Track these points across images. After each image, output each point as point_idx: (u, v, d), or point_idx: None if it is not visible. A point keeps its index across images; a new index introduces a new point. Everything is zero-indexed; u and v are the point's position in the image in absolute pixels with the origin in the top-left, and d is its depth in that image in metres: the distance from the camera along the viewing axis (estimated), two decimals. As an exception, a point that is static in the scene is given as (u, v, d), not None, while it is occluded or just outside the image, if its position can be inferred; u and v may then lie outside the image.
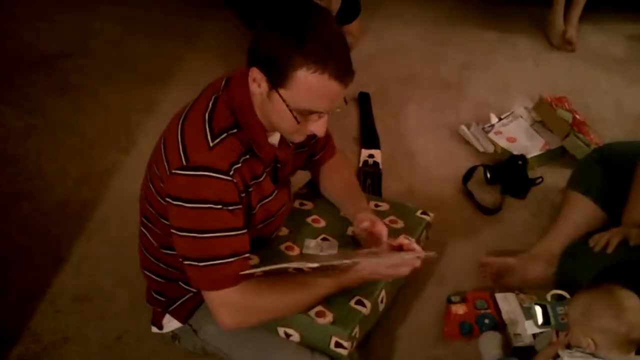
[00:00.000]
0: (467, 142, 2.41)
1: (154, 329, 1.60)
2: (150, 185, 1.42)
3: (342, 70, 1.26)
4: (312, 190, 1.79)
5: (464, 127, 2.43)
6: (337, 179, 1.74)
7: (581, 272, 1.66)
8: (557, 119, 2.32)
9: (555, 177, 2.23)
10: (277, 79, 1.26)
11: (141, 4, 3.24)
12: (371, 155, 2.30)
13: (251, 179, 1.39)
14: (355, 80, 2.60)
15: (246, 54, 1.30)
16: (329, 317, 1.41)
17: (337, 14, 2.76)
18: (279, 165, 1.49)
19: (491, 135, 2.36)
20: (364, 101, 2.59)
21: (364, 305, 1.46)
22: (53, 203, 2.11)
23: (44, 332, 1.69)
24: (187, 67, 2.80)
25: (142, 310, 1.67)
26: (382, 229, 1.54)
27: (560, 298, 1.67)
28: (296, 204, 1.73)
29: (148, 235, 1.53)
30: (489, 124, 2.40)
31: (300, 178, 1.79)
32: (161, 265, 1.53)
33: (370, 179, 2.19)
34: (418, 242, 1.62)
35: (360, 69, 2.75)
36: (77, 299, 1.79)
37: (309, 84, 1.24)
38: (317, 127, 1.35)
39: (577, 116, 2.36)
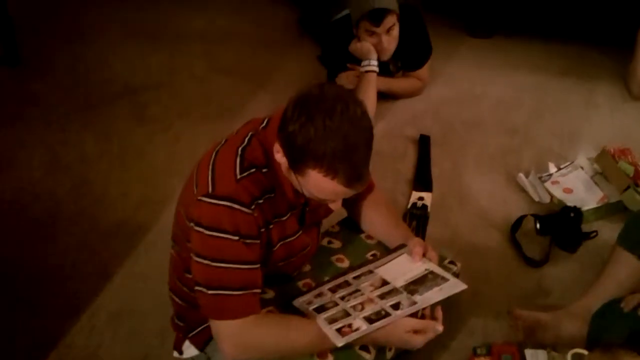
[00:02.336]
0: (524, 191, 2.35)
1: (175, 354, 1.67)
2: (181, 208, 1.50)
3: (353, 178, 1.29)
4: (344, 228, 1.81)
5: (521, 175, 2.37)
6: (379, 213, 1.74)
7: (609, 333, 1.57)
8: (618, 171, 2.22)
9: (613, 233, 2.08)
10: (293, 166, 1.32)
11: (225, 42, 3.43)
12: (421, 198, 2.29)
13: (273, 217, 1.44)
14: (419, 123, 2.70)
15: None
16: (329, 359, 1.41)
17: (403, 56, 2.80)
18: (307, 208, 1.53)
19: (548, 184, 2.29)
20: (423, 143, 2.59)
21: (368, 351, 1.45)
22: (111, 224, 2.26)
23: (76, 346, 1.81)
24: (259, 104, 2.91)
25: (170, 333, 1.74)
26: (433, 255, 1.56)
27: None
28: (324, 241, 1.76)
29: (176, 258, 1.61)
30: (546, 173, 2.34)
31: (334, 215, 1.82)
32: (184, 289, 1.60)
33: (416, 222, 2.19)
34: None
35: (426, 112, 2.84)
36: (113, 316, 1.90)
37: (319, 182, 1.30)
38: (331, 204, 1.43)
39: (642, 169, 2.24)
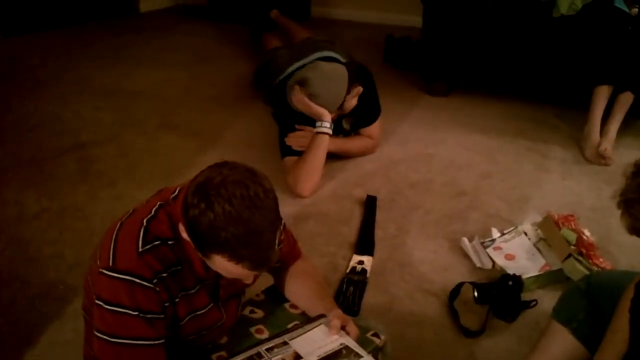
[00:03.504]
0: (467, 256, 2.30)
1: None
2: (89, 277, 1.44)
3: (259, 262, 1.27)
4: (269, 297, 1.75)
5: (465, 240, 2.33)
6: (304, 283, 1.70)
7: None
8: (560, 239, 2.18)
9: (553, 303, 2.06)
10: (199, 249, 1.29)
11: (180, 99, 3.43)
12: (361, 262, 2.24)
13: (179, 291, 1.38)
14: (368, 183, 2.67)
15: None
16: None
17: (355, 114, 2.79)
18: (221, 281, 1.47)
19: (490, 250, 2.25)
20: (369, 205, 2.55)
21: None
22: (42, 286, 2.18)
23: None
24: (207, 162, 2.84)
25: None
26: (353, 329, 1.51)
27: None
28: (246, 310, 1.70)
29: (87, 328, 1.54)
30: (489, 239, 2.30)
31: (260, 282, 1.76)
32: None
33: (353, 287, 2.13)
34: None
35: (376, 172, 2.82)
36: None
37: (224, 266, 1.27)
38: (245, 280, 1.39)
39: (585, 237, 2.21)
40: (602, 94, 2.95)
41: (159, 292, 1.31)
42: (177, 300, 1.38)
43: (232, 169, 1.28)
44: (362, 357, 1.43)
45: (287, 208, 2.53)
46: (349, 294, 2.10)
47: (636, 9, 3.01)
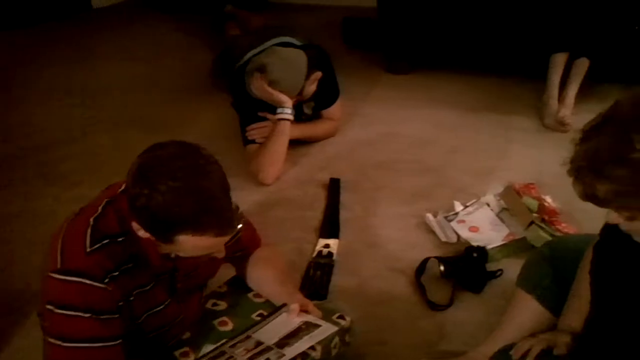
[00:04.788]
0: (433, 232, 2.31)
1: None
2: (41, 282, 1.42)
3: (223, 225, 1.26)
4: (232, 288, 1.74)
5: (429, 215, 2.34)
6: (265, 270, 1.70)
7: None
8: (522, 207, 2.20)
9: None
10: (160, 238, 1.27)
11: (141, 92, 3.39)
12: (327, 246, 2.24)
13: (134, 288, 1.36)
14: (332, 166, 2.66)
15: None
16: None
17: (315, 98, 2.78)
18: (178, 274, 1.46)
19: (454, 224, 2.26)
20: (333, 188, 2.55)
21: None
22: (6, 292, 2.14)
23: None
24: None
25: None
26: (315, 312, 1.52)
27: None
28: (209, 304, 1.69)
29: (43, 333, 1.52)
30: (452, 212, 2.31)
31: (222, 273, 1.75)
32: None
33: (320, 271, 2.13)
34: (328, 348, 1.53)
35: (340, 155, 2.81)
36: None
37: (191, 243, 1.26)
38: (216, 255, 1.38)
39: (547, 204, 2.23)
40: (558, 62, 2.97)
41: (111, 291, 1.29)
42: (131, 298, 1.36)
43: (163, 147, 1.26)
44: (319, 325, 1.44)
45: (251, 196, 2.53)
46: (316, 278, 2.10)
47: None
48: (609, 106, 1.21)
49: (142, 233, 1.28)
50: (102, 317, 1.29)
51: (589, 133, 1.21)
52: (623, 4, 2.96)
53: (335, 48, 3.51)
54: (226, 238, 1.31)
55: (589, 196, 1.22)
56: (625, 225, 1.28)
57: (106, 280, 1.28)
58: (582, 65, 2.98)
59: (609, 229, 1.45)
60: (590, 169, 1.18)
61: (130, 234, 1.32)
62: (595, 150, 1.17)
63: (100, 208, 1.34)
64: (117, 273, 1.31)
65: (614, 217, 1.25)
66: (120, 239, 1.32)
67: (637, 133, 1.12)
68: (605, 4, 2.96)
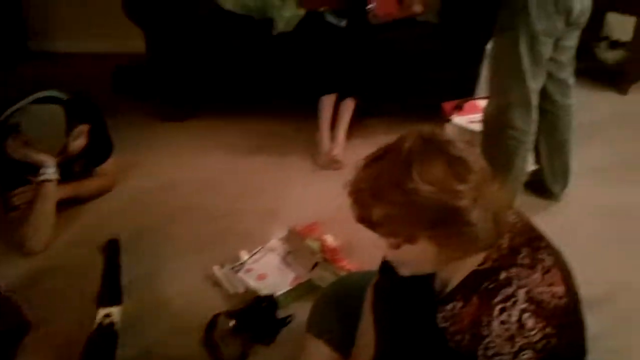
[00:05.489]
0: (220, 285, 2.25)
1: None
2: None
3: None
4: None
5: (216, 268, 2.28)
6: None
7: None
8: (305, 249, 2.23)
9: (309, 314, 2.11)
10: None
11: None
12: (108, 315, 2.06)
13: None
14: (109, 226, 2.49)
15: None
16: None
17: (86, 154, 2.60)
18: None
19: (242, 274, 2.23)
20: (111, 249, 2.36)
21: None
22: None
23: None
24: None
25: None
26: None
27: None
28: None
29: None
30: (239, 262, 2.27)
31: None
32: None
33: (101, 345, 1.95)
34: None
35: (118, 211, 2.65)
36: None
37: None
38: None
39: (328, 243, 2.29)
40: (327, 103, 3.11)
41: None
42: None
43: None
44: None
45: (17, 269, 2.29)
46: (98, 354, 1.92)
47: (345, 21, 3.21)
48: (395, 139, 1.25)
49: None
50: None
51: (373, 160, 1.26)
52: (381, 50, 3.19)
53: (107, 99, 3.36)
54: None
55: (364, 219, 1.26)
56: (391, 254, 1.32)
57: None
58: (350, 105, 3.15)
59: (385, 265, 1.50)
60: (370, 191, 1.22)
61: None
62: (377, 174, 1.22)
63: None
64: None
65: (383, 245, 1.29)
66: None
67: (416, 165, 1.17)
68: (365, 49, 3.17)
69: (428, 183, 1.16)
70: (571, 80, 2.52)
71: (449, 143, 1.22)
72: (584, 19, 2.32)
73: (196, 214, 2.67)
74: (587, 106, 3.33)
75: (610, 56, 3.90)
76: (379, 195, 1.21)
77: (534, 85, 2.31)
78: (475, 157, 1.23)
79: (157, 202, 2.75)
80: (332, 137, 3.08)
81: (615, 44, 3.95)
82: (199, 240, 2.51)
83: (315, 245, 2.25)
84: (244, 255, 2.30)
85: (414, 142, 1.22)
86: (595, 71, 3.81)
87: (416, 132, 1.25)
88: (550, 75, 2.41)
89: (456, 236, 1.21)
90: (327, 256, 2.23)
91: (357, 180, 1.26)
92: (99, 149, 2.69)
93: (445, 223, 1.19)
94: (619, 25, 4.01)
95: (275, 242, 2.36)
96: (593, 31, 2.53)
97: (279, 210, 2.70)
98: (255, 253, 2.31)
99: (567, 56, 2.44)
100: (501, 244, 1.27)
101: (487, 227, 1.21)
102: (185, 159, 3.10)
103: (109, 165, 2.74)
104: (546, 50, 2.27)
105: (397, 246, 1.27)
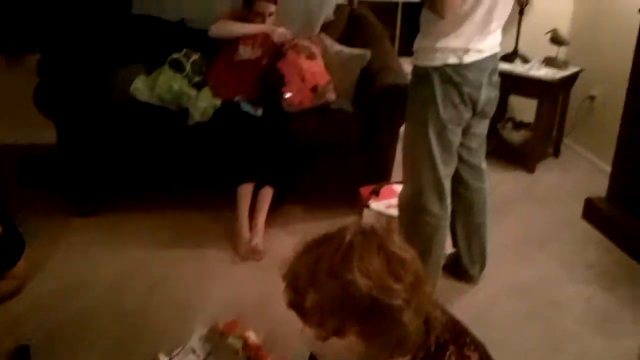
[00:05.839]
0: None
1: None
2: None
3: None
4: None
5: (133, 374, 2.17)
6: None
7: None
8: (226, 349, 2.17)
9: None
10: None
11: None
12: None
13: None
14: (18, 331, 2.34)
15: None
16: None
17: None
18: None
19: (161, 379, 2.13)
20: (20, 357, 2.23)
21: None
22: None
23: None
24: None
25: None
26: None
27: None
28: None
29: None
30: (158, 366, 2.18)
31: None
32: None
33: None
34: None
35: (28, 315, 2.50)
36: None
37: None
38: None
39: (250, 340, 2.23)
40: (245, 192, 3.09)
41: None
42: None
43: None
44: None
45: None
46: None
47: (260, 110, 3.25)
48: (335, 228, 1.24)
49: None
50: None
51: (312, 246, 1.23)
52: (296, 137, 3.23)
53: (13, 193, 3.23)
54: None
55: (296, 305, 1.22)
56: (317, 347, 1.27)
57: None
58: (267, 193, 3.14)
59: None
60: (306, 276, 1.19)
61: None
62: (315, 260, 1.19)
63: None
64: None
65: (309, 336, 1.25)
66: None
67: (356, 259, 1.16)
68: (281, 137, 3.21)
69: (366, 277, 1.15)
70: (483, 164, 2.62)
71: (388, 239, 1.22)
72: (489, 108, 2.43)
73: (109, 314, 2.56)
74: (499, 185, 3.49)
75: (516, 137, 4.11)
76: (315, 281, 1.18)
77: (446, 171, 2.39)
78: (411, 257, 1.23)
79: (68, 304, 2.61)
80: (251, 226, 3.05)
81: (519, 125, 4.17)
82: (114, 343, 2.39)
83: (237, 343, 2.18)
84: (163, 358, 2.20)
85: (355, 234, 1.22)
86: (504, 151, 4.01)
87: (357, 224, 1.26)
88: (462, 161, 2.50)
89: (386, 334, 1.19)
90: (251, 354, 2.17)
91: (295, 264, 1.23)
92: (9, 252, 2.56)
93: (376, 319, 1.17)
94: (522, 107, 4.27)
95: (195, 341, 2.28)
96: (498, 113, 2.65)
97: (198, 306, 2.62)
98: (174, 355, 2.22)
99: (478, 142, 2.54)
100: (428, 342, 1.27)
101: (417, 329, 1.21)
102: (95, 255, 2.98)
103: (19, 268, 2.61)
104: (455, 137, 2.36)
105: (324, 338, 1.24)
